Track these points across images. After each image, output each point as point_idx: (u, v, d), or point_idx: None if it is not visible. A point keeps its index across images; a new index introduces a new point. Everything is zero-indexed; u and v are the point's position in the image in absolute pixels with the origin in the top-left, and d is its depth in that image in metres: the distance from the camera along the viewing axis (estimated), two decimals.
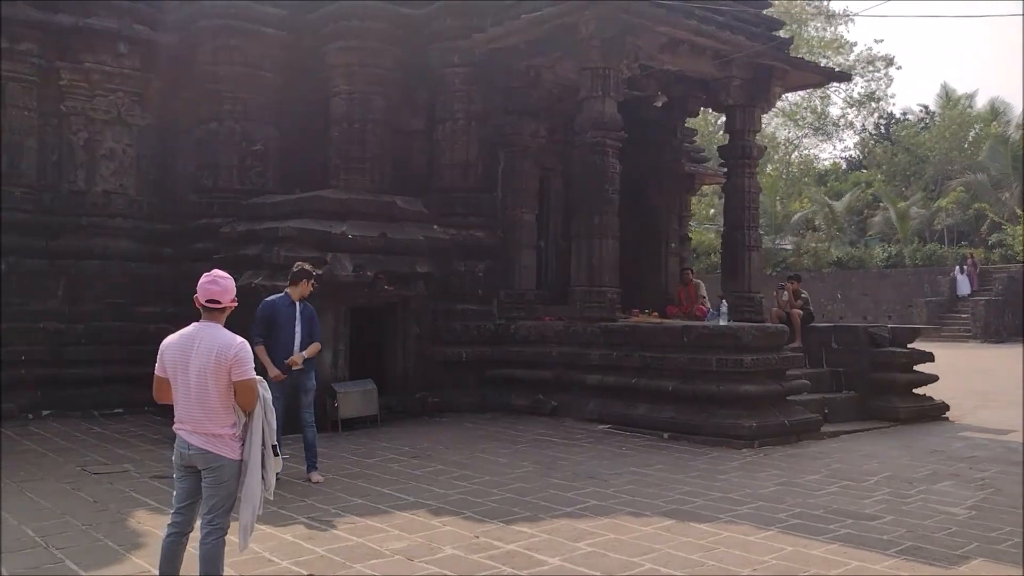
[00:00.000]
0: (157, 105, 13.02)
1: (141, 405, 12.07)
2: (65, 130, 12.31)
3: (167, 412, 11.42)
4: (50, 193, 12.27)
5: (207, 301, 4.36)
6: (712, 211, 46.27)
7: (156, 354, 13.04)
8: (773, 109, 18.02)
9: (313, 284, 8.17)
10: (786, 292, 12.65)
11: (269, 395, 4.53)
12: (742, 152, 13.35)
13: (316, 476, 7.78)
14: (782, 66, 13.07)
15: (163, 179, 13.33)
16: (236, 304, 4.49)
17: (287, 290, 8.01)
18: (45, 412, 11.52)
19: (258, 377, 4.48)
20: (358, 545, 5.73)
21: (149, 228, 12.93)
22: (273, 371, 7.63)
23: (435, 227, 12.40)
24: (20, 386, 11.34)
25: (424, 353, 11.92)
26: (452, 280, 12.36)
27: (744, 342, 9.68)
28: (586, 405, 11.01)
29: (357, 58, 12.72)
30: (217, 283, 4.38)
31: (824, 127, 48.10)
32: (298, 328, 7.93)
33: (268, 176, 13.05)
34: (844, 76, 15.83)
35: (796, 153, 49.32)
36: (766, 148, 15.38)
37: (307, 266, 8.12)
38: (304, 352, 7.92)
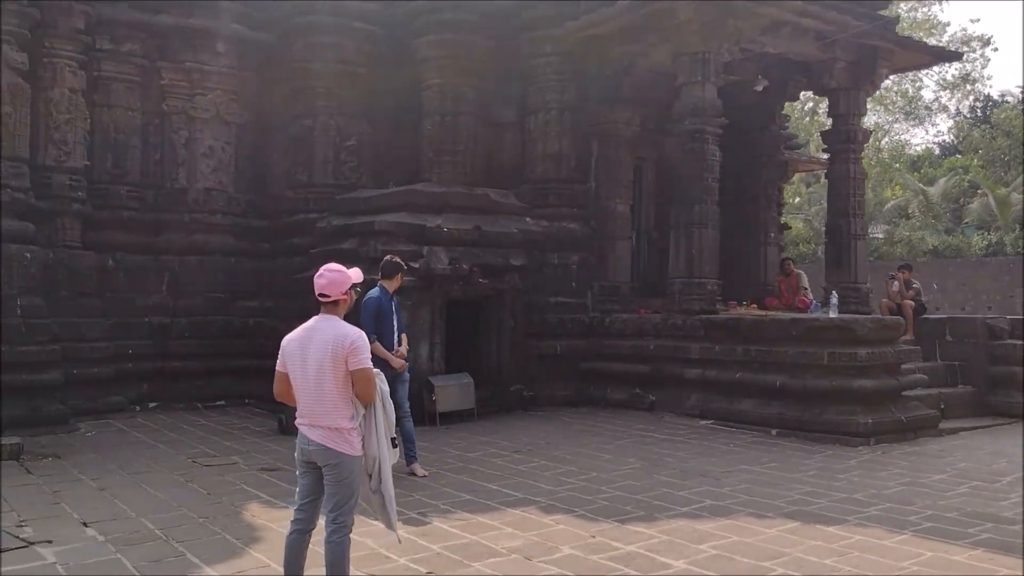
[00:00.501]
0: (253, 103, 13.22)
1: (242, 397, 12.35)
2: (167, 129, 12.60)
3: (268, 405, 11.64)
4: (153, 191, 12.57)
5: (318, 295, 4.32)
6: (798, 199, 45.03)
7: (255, 348, 13.20)
8: None
9: (403, 276, 8.12)
10: (896, 282, 12.10)
11: (387, 387, 4.44)
12: (847, 137, 12.83)
13: (420, 469, 7.73)
14: (889, 46, 12.49)
15: (259, 175, 13.54)
16: (349, 297, 4.40)
17: (382, 284, 7.95)
18: (152, 404, 11.82)
19: (375, 370, 4.41)
20: (473, 543, 5.62)
21: (246, 224, 13.15)
22: (397, 361, 7.64)
23: (528, 219, 12.27)
24: (128, 379, 11.65)
25: (518, 346, 11.80)
26: (546, 272, 12.21)
27: (859, 335, 9.26)
28: (686, 400, 10.73)
29: (448, 50, 12.66)
30: (323, 276, 4.32)
31: (915, 111, 46.27)
32: (396, 321, 7.90)
33: (362, 171, 13.11)
34: (954, 55, 15.06)
35: (886, 139, 47.56)
36: (871, 132, 14.73)
37: (398, 259, 8.07)
38: (401, 348, 7.89)
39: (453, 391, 10.69)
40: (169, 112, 12.56)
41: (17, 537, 5.72)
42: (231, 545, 5.58)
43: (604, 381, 11.82)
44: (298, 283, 12.08)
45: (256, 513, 6.40)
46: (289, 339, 4.35)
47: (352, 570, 5.01)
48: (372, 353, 8.01)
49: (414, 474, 7.70)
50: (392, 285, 7.96)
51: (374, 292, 7.96)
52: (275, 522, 6.11)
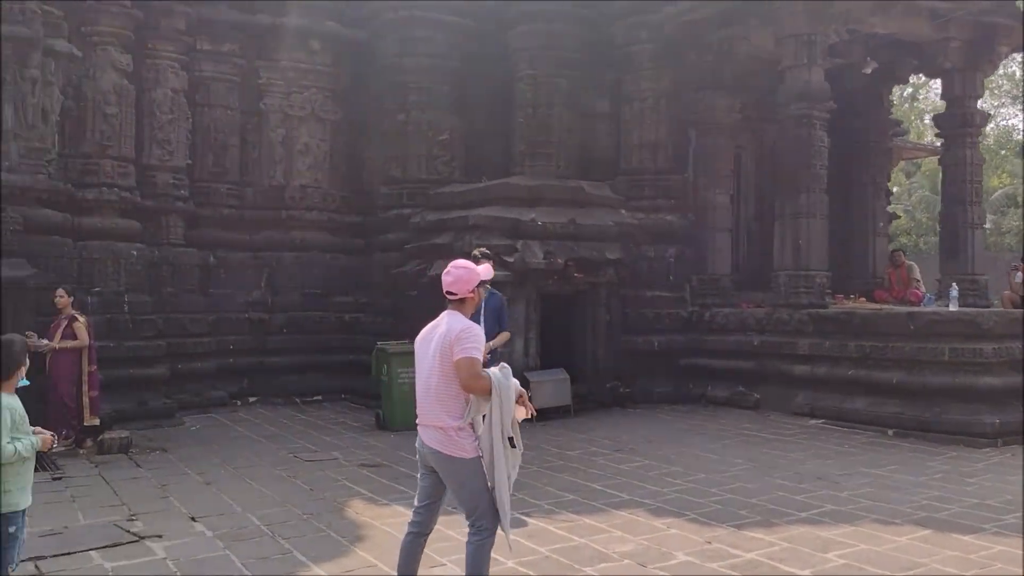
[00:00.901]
0: (347, 99, 13.28)
1: (338, 392, 12.44)
2: (265, 127, 12.76)
3: (364, 400, 11.68)
4: (252, 188, 12.75)
5: (446, 292, 4.14)
6: (896, 188, 43.19)
7: (350, 343, 13.26)
8: None
9: (495, 266, 7.82)
10: (1020, 273, 11.34)
11: (511, 382, 4.11)
12: (963, 120, 12.11)
13: None
14: (1009, 23, 11.69)
15: (353, 172, 13.61)
16: (477, 295, 4.19)
17: None
18: (251, 399, 12.00)
19: (502, 364, 4.17)
20: (582, 546, 5.40)
21: (341, 220, 13.24)
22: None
23: (623, 212, 11.99)
24: (229, 374, 11.86)
25: (614, 341, 11.54)
26: (642, 266, 11.91)
27: (984, 329, 8.66)
28: (793, 398, 10.27)
29: (541, 41, 12.44)
30: (451, 273, 4.14)
31: None
32: (482, 318, 7.61)
33: (454, 165, 13.02)
34: None
35: (992, 124, 45.17)
36: (990, 115, 13.88)
37: (478, 250, 7.83)
38: (491, 343, 7.64)
39: (549, 387, 10.51)
40: (266, 111, 12.72)
41: (128, 531, 5.78)
42: (337, 543, 5.50)
43: (704, 378, 11.45)
44: (393, 279, 12.10)
45: (359, 510, 6.33)
46: (418, 337, 4.22)
47: (457, 571, 4.87)
48: None
49: None
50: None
51: None
52: (379, 519, 6.03)
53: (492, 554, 5.20)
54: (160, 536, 5.65)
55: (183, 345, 11.13)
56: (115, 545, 5.46)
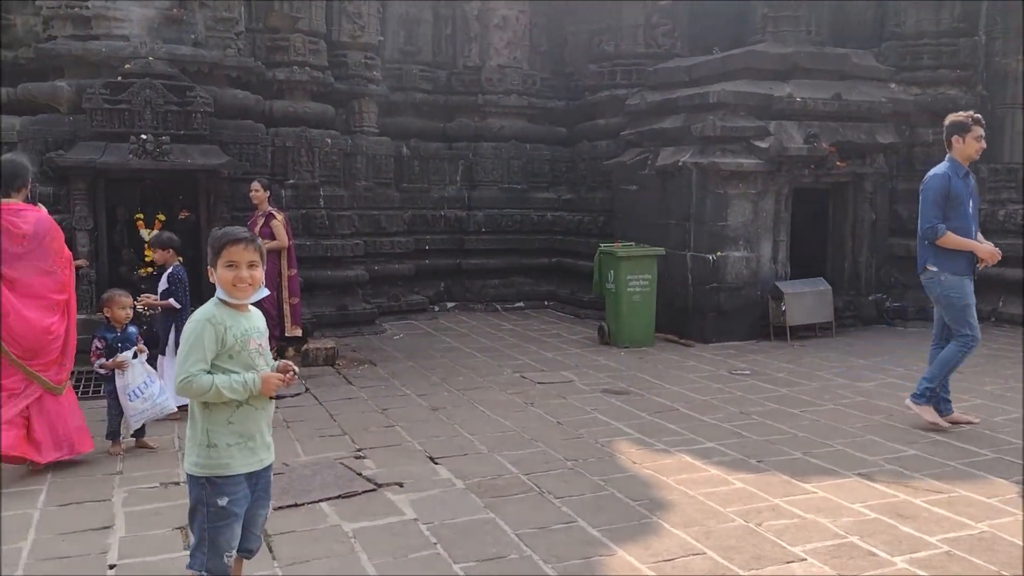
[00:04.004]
0: None
1: (541, 299, 11.22)
2: None
3: (571, 308, 10.28)
4: (445, 70, 11.37)
5: None
6: None
7: (552, 245, 11.80)
8: None
9: (981, 140, 5.54)
10: None
11: None
12: None
13: (951, 419, 5.65)
14: None
15: (555, 49, 11.96)
16: None
17: (949, 156, 5.57)
18: (449, 304, 10.92)
19: None
20: (990, 536, 3.76)
21: (543, 105, 11.68)
22: (988, 251, 5.48)
23: (893, 85, 9.78)
24: (427, 277, 10.79)
25: (880, 245, 9.57)
26: (917, 152, 9.75)
27: None
28: None
29: None
30: None
31: None
32: (972, 205, 5.60)
33: (676, 36, 11.06)
34: None
35: None
36: None
37: (959, 116, 5.57)
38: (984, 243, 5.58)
39: (808, 300, 8.76)
40: None
41: (359, 474, 4.64)
42: (630, 510, 4.12)
43: (995, 290, 9.31)
44: (605, 171, 10.52)
45: (634, 458, 4.93)
46: None
47: (824, 568, 3.38)
48: (947, 247, 5.42)
49: (960, 422, 5.59)
50: (964, 151, 5.52)
51: (937, 169, 5.56)
52: (666, 474, 4.62)
53: (863, 542, 3.69)
54: (400, 485, 4.47)
55: (379, 244, 10.05)
56: (349, 495, 4.32)
